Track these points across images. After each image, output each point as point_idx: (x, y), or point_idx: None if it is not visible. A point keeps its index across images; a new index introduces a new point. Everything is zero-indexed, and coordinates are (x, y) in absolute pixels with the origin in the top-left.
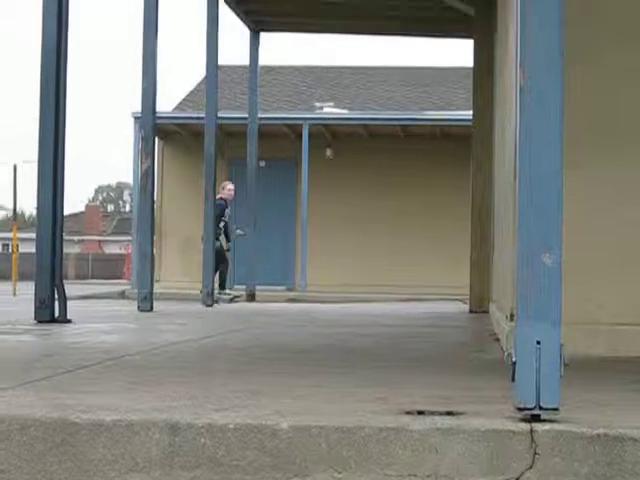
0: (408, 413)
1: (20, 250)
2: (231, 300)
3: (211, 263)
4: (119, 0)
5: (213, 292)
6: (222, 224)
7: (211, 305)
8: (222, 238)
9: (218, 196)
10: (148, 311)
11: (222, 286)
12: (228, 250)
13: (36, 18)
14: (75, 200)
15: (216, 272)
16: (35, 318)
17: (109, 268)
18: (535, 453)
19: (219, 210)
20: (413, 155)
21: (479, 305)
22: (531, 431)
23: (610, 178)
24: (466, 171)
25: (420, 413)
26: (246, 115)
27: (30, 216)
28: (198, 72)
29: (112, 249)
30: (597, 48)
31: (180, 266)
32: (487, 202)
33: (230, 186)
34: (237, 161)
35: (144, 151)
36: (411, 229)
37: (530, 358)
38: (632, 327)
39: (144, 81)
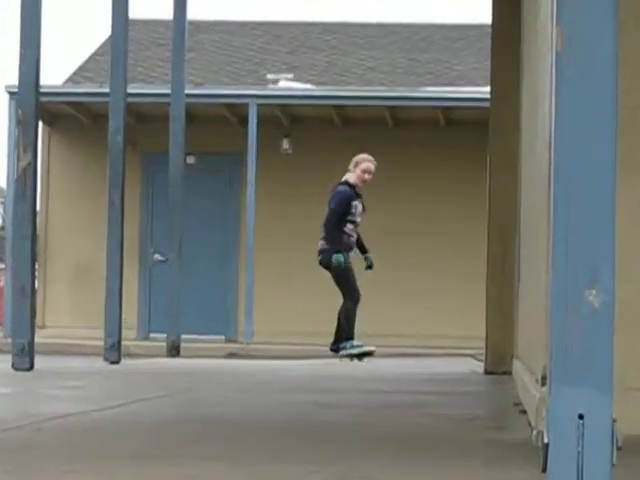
0: None
1: None
2: (363, 356)
3: (117, 300)
4: None
5: (120, 342)
6: (349, 226)
7: (117, 362)
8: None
9: (343, 179)
10: (27, 370)
11: (349, 334)
12: (369, 267)
13: None
14: None
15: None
16: None
17: None
18: None
19: (341, 201)
20: (405, 149)
21: (498, 363)
22: None
23: None
24: (480, 172)
25: None
26: (168, 91)
27: None
28: (101, 31)
29: None
30: None
31: (72, 306)
32: (512, 214)
33: (367, 164)
34: (155, 156)
35: (23, 141)
36: (402, 252)
37: (569, 439)
38: None
39: (23, 45)
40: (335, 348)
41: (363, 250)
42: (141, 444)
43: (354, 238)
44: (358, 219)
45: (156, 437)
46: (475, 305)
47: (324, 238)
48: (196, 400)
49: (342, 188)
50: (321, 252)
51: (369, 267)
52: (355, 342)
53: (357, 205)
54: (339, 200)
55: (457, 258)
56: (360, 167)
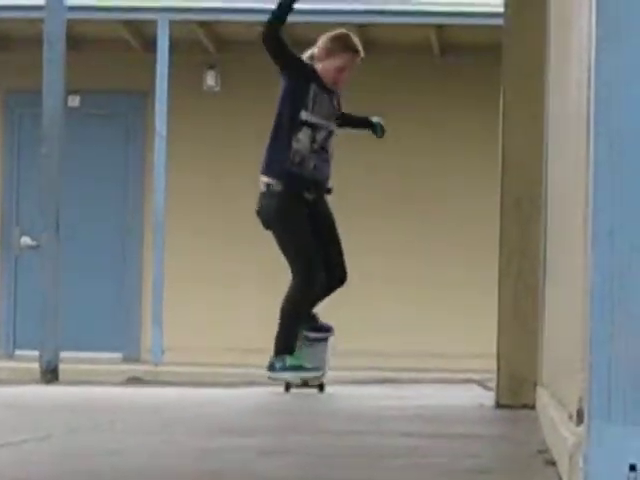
0: None
1: None
2: (313, 386)
3: None
4: None
5: None
6: (302, 135)
7: None
8: (303, 144)
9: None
10: None
11: (287, 341)
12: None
13: None
14: None
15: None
16: None
17: None
18: None
19: (298, 80)
20: (382, 86)
21: (515, 392)
22: None
23: None
24: (491, 121)
25: None
26: (42, 2)
27: None
28: None
29: None
30: None
31: None
32: (533, 185)
33: (346, 58)
34: (22, 96)
35: None
36: (374, 235)
37: None
38: None
39: None
40: (270, 364)
41: (362, 122)
42: None
43: (315, 164)
44: (323, 122)
45: None
46: (482, 312)
47: (262, 167)
48: (83, 447)
49: None
50: (260, 197)
51: (381, 133)
52: (295, 360)
53: (319, 94)
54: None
55: (456, 247)
56: (335, 62)
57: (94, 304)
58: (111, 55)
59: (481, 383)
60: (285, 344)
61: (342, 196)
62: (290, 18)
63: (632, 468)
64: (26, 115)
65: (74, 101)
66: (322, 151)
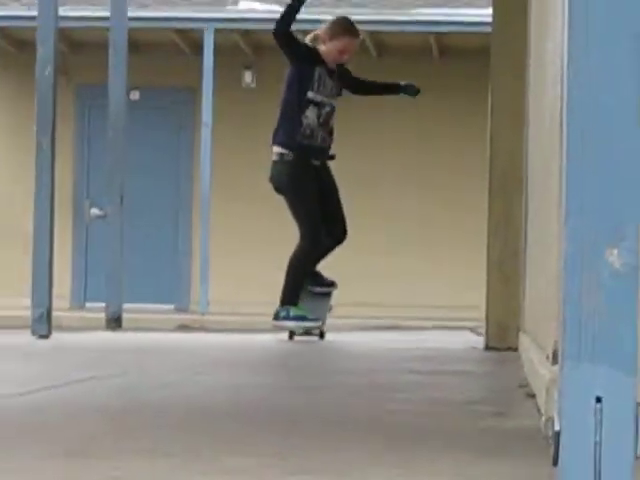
0: None
1: None
2: (311, 334)
3: (46, 264)
4: None
5: (50, 313)
6: (310, 113)
7: (46, 336)
8: (311, 120)
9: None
10: None
11: (291, 294)
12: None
13: None
14: None
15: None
16: None
17: None
18: None
19: (305, 64)
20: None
21: (501, 337)
22: None
23: None
24: (481, 111)
25: None
26: (107, 14)
27: None
28: None
29: None
30: None
31: None
32: (517, 160)
33: (348, 41)
34: (92, 90)
35: None
36: (386, 210)
37: (585, 426)
38: None
39: None
40: (275, 313)
41: (390, 88)
42: (69, 437)
43: (323, 136)
44: (326, 100)
45: (87, 428)
46: (475, 270)
47: (275, 139)
48: (139, 382)
49: None
50: (273, 165)
51: (414, 93)
52: (298, 310)
53: (323, 75)
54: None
55: (450, 212)
56: (337, 45)
57: (151, 263)
58: (165, 57)
59: (473, 330)
60: (290, 296)
61: (353, 168)
62: (309, 27)
63: (598, 400)
64: (94, 106)
65: (135, 95)
66: (326, 124)
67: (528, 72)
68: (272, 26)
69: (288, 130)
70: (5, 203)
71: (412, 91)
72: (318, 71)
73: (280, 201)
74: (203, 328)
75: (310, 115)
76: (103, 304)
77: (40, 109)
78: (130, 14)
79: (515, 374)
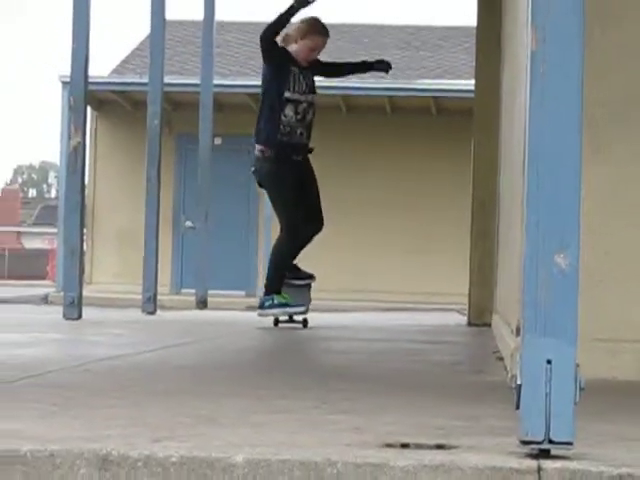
0: (389, 446)
1: None
2: (294, 321)
3: (153, 260)
4: None
5: (156, 296)
6: (288, 111)
7: (153, 313)
8: (289, 117)
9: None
10: (76, 319)
11: (274, 283)
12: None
13: None
14: None
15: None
16: None
17: (30, 266)
18: None
19: (280, 66)
20: (402, 133)
21: (479, 316)
22: (539, 470)
23: (637, 163)
24: (467, 153)
25: (404, 446)
26: (198, 81)
27: None
28: (141, 30)
29: (33, 243)
30: (617, 16)
31: (115, 265)
32: (491, 191)
33: (317, 39)
34: (187, 138)
35: (74, 124)
36: (399, 223)
37: (539, 381)
38: None
39: (74, 40)
40: (260, 303)
41: (362, 66)
42: (170, 382)
43: (300, 131)
44: (302, 97)
45: (183, 377)
46: (461, 267)
47: (256, 137)
48: (219, 346)
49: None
50: (255, 160)
51: (387, 67)
52: (281, 298)
53: (297, 74)
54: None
55: (446, 228)
56: (308, 43)
57: (228, 261)
58: (240, 113)
59: (459, 311)
60: (273, 286)
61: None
62: (340, 92)
63: (548, 362)
64: (189, 149)
65: (218, 141)
66: (304, 120)
67: (500, 127)
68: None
69: (268, 129)
70: (125, 220)
71: (383, 67)
72: (293, 71)
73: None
74: None
75: (288, 113)
76: (194, 290)
77: (150, 151)
78: (215, 82)
79: (489, 343)
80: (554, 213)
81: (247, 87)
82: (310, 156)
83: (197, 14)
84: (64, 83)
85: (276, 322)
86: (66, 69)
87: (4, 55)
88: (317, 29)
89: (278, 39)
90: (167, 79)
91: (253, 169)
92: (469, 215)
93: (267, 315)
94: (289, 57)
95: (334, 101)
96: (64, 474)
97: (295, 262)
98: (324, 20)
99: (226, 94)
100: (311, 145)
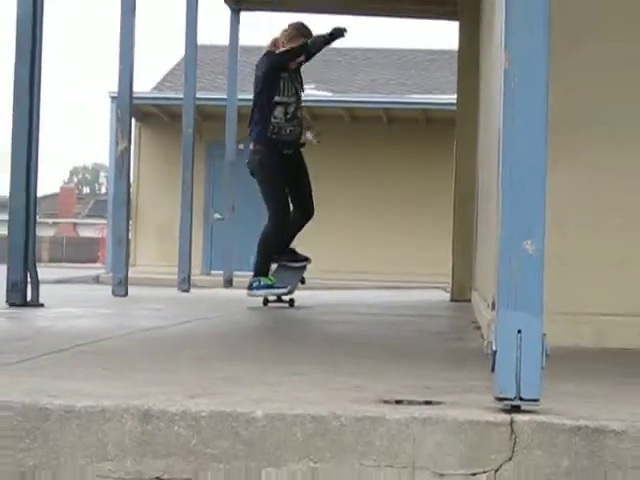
0: (386, 402)
1: None
2: (282, 301)
3: (187, 246)
4: None
5: (189, 276)
6: (278, 112)
7: (187, 291)
8: (279, 119)
9: (268, 49)
10: (123, 296)
11: (262, 265)
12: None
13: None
14: (49, 181)
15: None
16: (7, 301)
17: (84, 251)
18: (515, 445)
19: (271, 73)
20: (396, 139)
21: (461, 293)
22: (511, 422)
23: (595, 168)
24: (450, 156)
25: (398, 402)
26: (225, 96)
27: (2, 198)
28: (178, 52)
29: (87, 232)
30: (579, 39)
31: (155, 251)
32: (470, 188)
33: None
34: (215, 144)
35: (120, 132)
36: (392, 214)
37: (511, 347)
38: (617, 318)
39: (121, 61)
40: (249, 284)
41: (327, 40)
42: (201, 349)
43: (290, 129)
44: (292, 99)
45: (212, 344)
46: (446, 252)
47: (249, 133)
48: (244, 319)
49: (266, 60)
50: (249, 153)
51: (342, 32)
52: (267, 280)
53: (286, 79)
54: (264, 72)
55: (433, 219)
56: (295, 46)
57: (250, 246)
58: None
59: (443, 288)
60: (261, 268)
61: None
62: (345, 104)
63: (519, 331)
64: (217, 154)
65: (241, 146)
66: (294, 118)
67: (478, 135)
68: (326, 104)
69: (259, 129)
70: (164, 213)
71: (339, 33)
72: (282, 77)
73: (338, 211)
74: None
75: (278, 115)
76: (221, 271)
77: (184, 156)
78: (239, 97)
79: (469, 316)
80: (523, 208)
81: None
82: (315, 153)
83: (224, 39)
84: (112, 97)
85: (265, 302)
86: (114, 86)
87: (64, 73)
88: (303, 32)
89: (269, 46)
90: (199, 94)
91: (247, 161)
92: (451, 209)
93: (254, 295)
94: (278, 63)
95: (339, 112)
96: (113, 426)
97: (292, 246)
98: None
99: (248, 107)
100: (311, 138)
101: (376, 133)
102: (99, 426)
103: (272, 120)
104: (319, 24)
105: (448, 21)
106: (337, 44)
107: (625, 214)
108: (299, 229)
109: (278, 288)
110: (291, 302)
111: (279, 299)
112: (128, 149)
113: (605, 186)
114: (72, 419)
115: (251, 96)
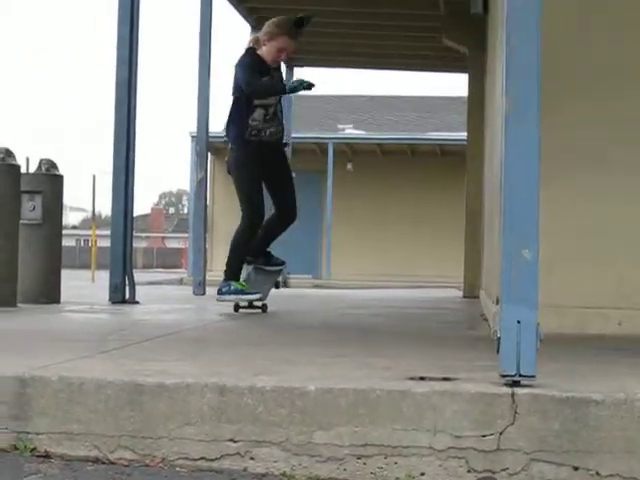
0: (411, 379)
1: (98, 244)
2: (254, 307)
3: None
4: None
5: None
6: (257, 115)
7: (203, 294)
8: (258, 120)
9: (247, 46)
10: (201, 295)
11: (232, 270)
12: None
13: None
14: (143, 204)
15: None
16: (109, 300)
17: (170, 259)
18: (516, 412)
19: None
20: (418, 168)
21: (471, 292)
22: (512, 394)
23: (576, 191)
24: (462, 180)
25: (421, 379)
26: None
27: (106, 216)
28: None
29: (173, 244)
30: (558, 99)
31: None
32: (478, 207)
33: (284, 41)
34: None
35: (199, 164)
36: (416, 229)
37: (512, 334)
38: (596, 310)
39: (199, 104)
40: (218, 288)
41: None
42: (263, 336)
43: (270, 130)
44: (272, 100)
45: (271, 332)
46: (459, 259)
47: (226, 135)
48: (292, 312)
49: (245, 59)
50: (228, 153)
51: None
52: (238, 284)
53: (268, 80)
54: (242, 72)
55: (449, 232)
56: (275, 45)
57: (300, 252)
58: (309, 156)
59: (457, 288)
60: (231, 272)
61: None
62: (377, 141)
63: (518, 322)
64: None
65: (293, 175)
66: (274, 118)
67: (484, 165)
68: (362, 141)
69: (236, 130)
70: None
71: (305, 20)
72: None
73: (372, 228)
74: (327, 287)
75: (257, 117)
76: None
77: None
78: (292, 135)
79: (478, 309)
80: (521, 223)
81: (313, 138)
82: (353, 184)
83: None
84: (192, 136)
85: (236, 308)
86: (194, 127)
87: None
88: (285, 30)
89: (250, 44)
90: None
91: (226, 161)
92: (464, 221)
93: (224, 301)
94: (260, 67)
95: (373, 148)
96: (195, 398)
97: (268, 249)
98: (364, 92)
99: (300, 142)
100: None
101: (402, 163)
102: (184, 398)
103: (250, 123)
104: (351, 75)
105: (459, 73)
106: (370, 92)
107: (599, 226)
108: (280, 232)
109: (249, 294)
110: (264, 307)
111: (251, 305)
112: (205, 177)
113: (585, 204)
114: (163, 393)
115: (302, 134)
